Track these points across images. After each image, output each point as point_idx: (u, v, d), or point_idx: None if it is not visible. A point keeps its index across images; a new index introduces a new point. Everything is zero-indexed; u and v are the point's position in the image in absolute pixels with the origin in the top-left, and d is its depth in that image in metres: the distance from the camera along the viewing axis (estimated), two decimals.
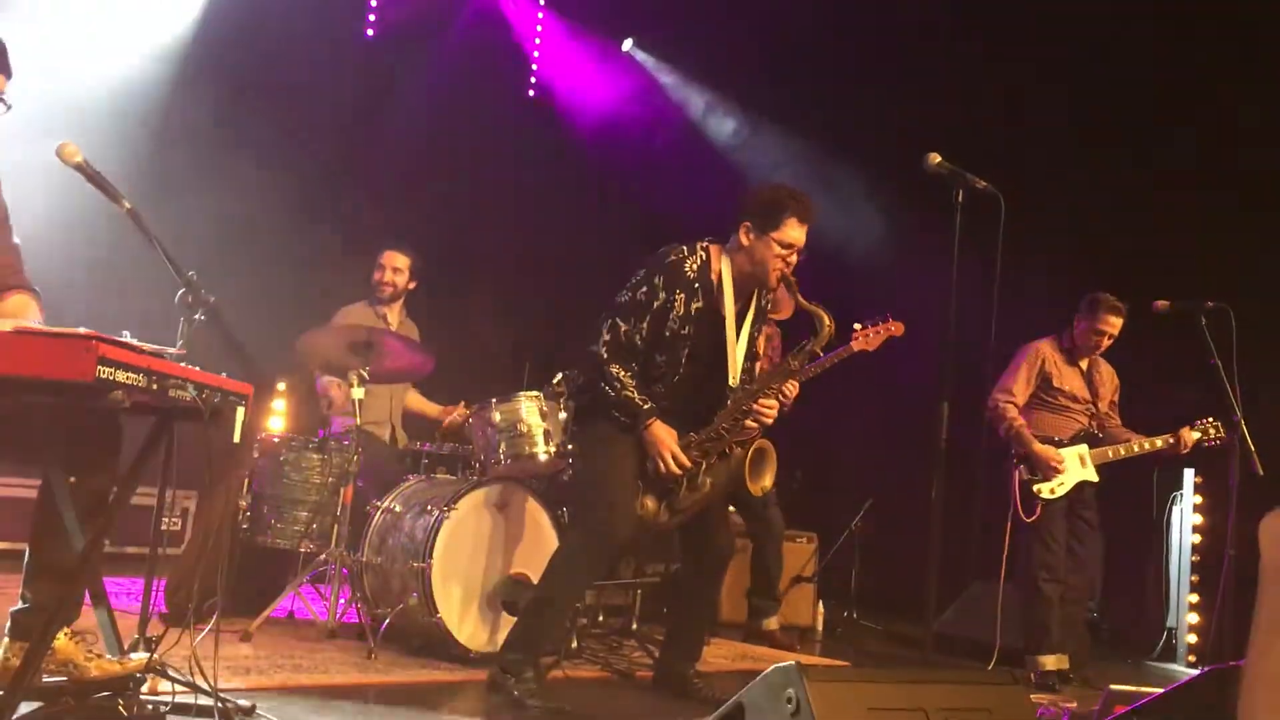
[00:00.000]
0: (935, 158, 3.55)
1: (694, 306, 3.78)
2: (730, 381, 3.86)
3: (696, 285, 3.79)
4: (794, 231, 3.76)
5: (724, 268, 3.85)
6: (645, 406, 3.73)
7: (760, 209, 3.79)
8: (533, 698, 3.65)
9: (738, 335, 3.88)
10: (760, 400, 3.80)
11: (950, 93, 7.36)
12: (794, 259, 3.79)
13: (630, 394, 3.73)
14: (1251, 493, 4.75)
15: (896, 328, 4.72)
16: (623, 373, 3.75)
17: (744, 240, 3.81)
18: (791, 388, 3.93)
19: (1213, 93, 6.57)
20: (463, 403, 5.31)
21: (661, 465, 3.73)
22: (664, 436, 3.74)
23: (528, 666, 3.74)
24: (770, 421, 3.84)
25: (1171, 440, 5.35)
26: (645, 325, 3.77)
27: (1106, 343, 5.42)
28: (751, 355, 3.96)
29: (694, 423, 3.87)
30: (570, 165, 8.63)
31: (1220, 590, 4.88)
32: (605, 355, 3.77)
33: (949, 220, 3.58)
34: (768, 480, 3.92)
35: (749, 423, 3.82)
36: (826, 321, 3.73)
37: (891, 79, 7.60)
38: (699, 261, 3.82)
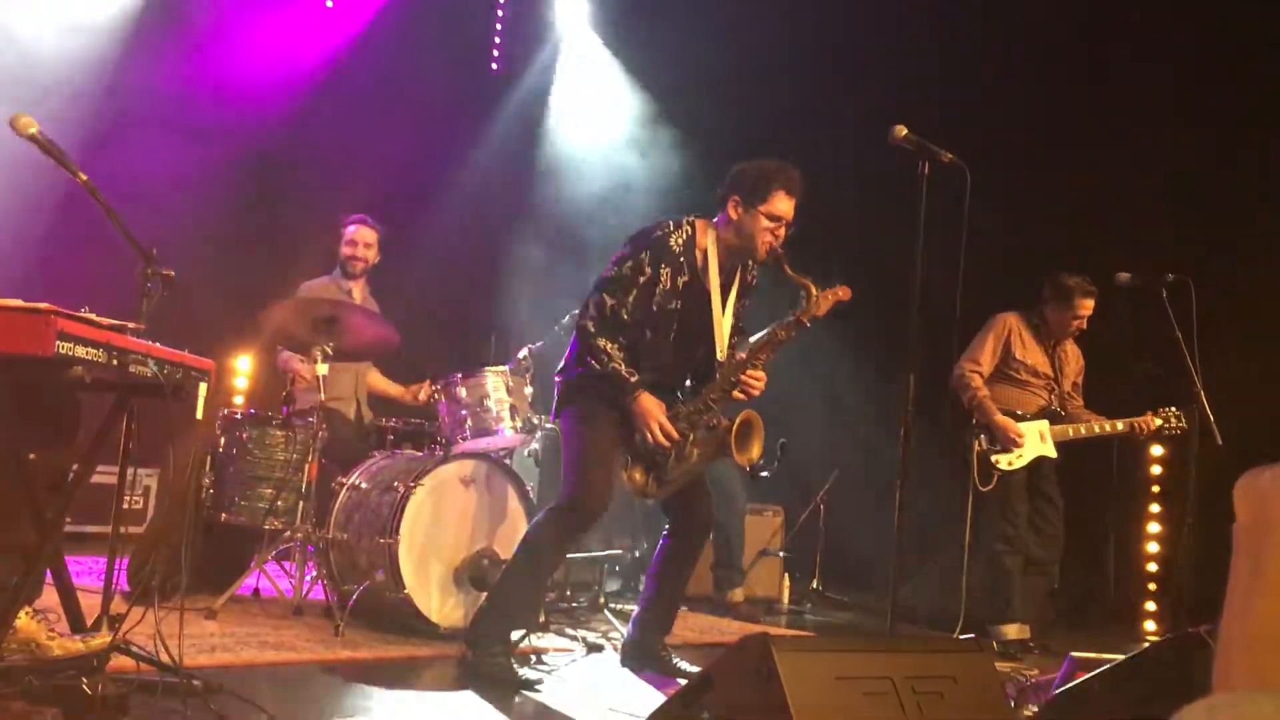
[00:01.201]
0: (901, 130, 3.55)
1: (680, 281, 3.81)
2: (718, 355, 3.89)
3: (682, 259, 3.81)
4: (782, 204, 3.78)
5: (709, 242, 3.87)
6: (632, 379, 3.73)
7: (748, 183, 3.80)
8: (503, 671, 3.65)
9: (724, 309, 3.90)
10: (749, 372, 3.82)
11: (913, 64, 7.37)
12: (782, 232, 3.80)
13: (617, 366, 3.73)
14: (1211, 464, 4.81)
15: (844, 292, 4.70)
16: (610, 346, 3.74)
17: (732, 214, 3.83)
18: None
19: (1178, 57, 6.62)
20: (428, 380, 5.27)
21: (649, 436, 3.73)
22: (651, 408, 3.73)
23: (496, 641, 3.75)
24: (758, 393, 3.84)
25: (1132, 425, 5.39)
26: (631, 300, 3.77)
27: (1080, 326, 5.47)
28: (737, 329, 3.99)
29: (681, 396, 3.93)
30: (532, 139, 8.58)
31: (1180, 559, 4.96)
32: (593, 330, 3.77)
33: (915, 193, 3.59)
34: (755, 451, 3.89)
35: (736, 394, 3.83)
36: (814, 293, 3.74)
37: (856, 52, 7.60)
38: (684, 236, 3.84)
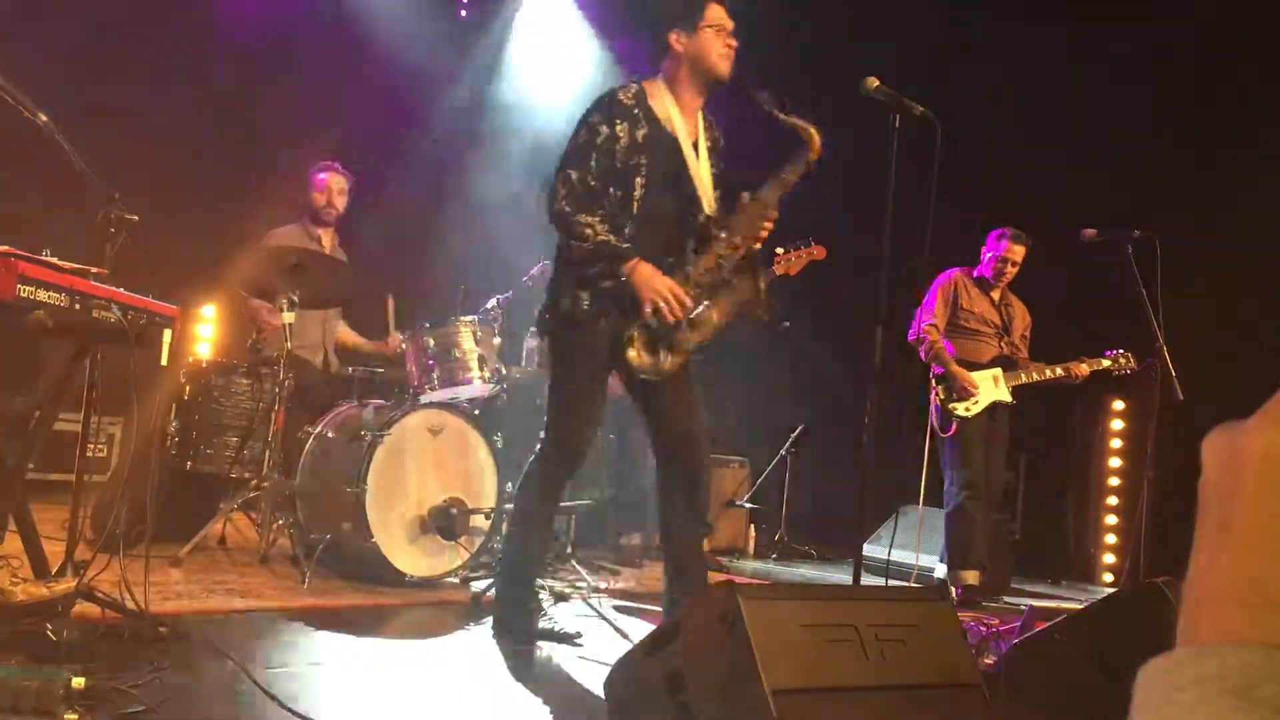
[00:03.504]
0: (873, 82, 3.52)
1: (639, 134, 3.53)
2: (705, 208, 3.61)
3: (637, 112, 3.55)
4: (715, 12, 3.58)
5: (662, 94, 3.63)
6: (624, 246, 3.41)
7: (679, 11, 3.62)
8: (546, 623, 3.69)
9: (698, 160, 3.63)
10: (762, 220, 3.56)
11: (880, 11, 7.33)
12: (734, 42, 3.58)
13: (605, 237, 3.41)
14: (1172, 418, 4.88)
15: (819, 251, 4.70)
16: (591, 218, 3.43)
17: (677, 47, 3.61)
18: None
19: (1149, 14, 6.63)
20: (395, 334, 5.23)
21: (663, 306, 3.38)
22: (652, 275, 3.41)
23: (529, 597, 3.72)
24: (761, 243, 3.62)
25: (1068, 369, 5.54)
26: (593, 164, 3.49)
27: (1011, 270, 5.63)
28: (718, 183, 3.70)
29: (669, 261, 3.56)
30: (501, 83, 8.47)
31: (1139, 512, 5.04)
32: (568, 208, 3.45)
33: (885, 145, 3.57)
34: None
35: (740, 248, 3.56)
36: (814, 134, 3.50)
37: (824, 1, 7.55)
38: (633, 91, 3.59)
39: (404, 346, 4.80)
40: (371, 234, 6.07)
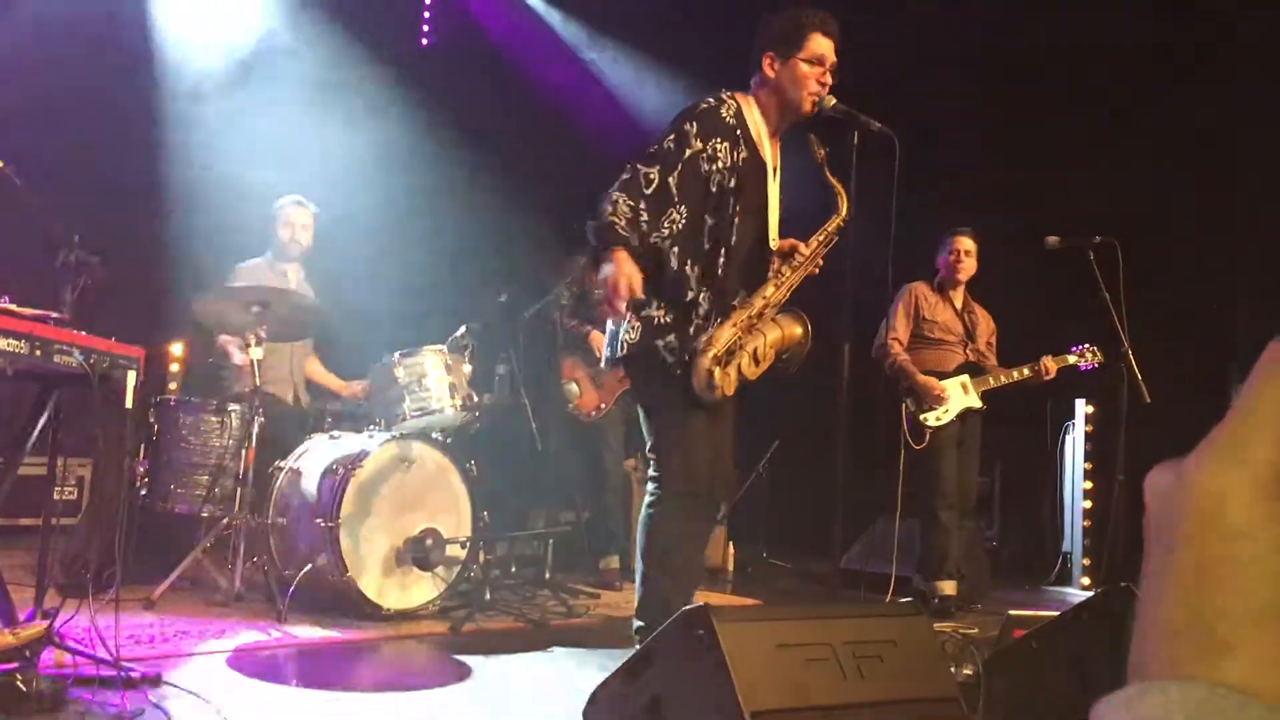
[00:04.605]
0: (830, 100, 3.55)
1: (739, 156, 3.31)
2: (771, 241, 3.43)
3: (738, 132, 3.33)
4: (818, 44, 3.38)
5: (754, 113, 3.42)
6: (623, 234, 3.12)
7: (779, 35, 3.42)
8: None
9: (774, 188, 3.47)
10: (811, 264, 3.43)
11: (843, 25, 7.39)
12: (828, 78, 3.41)
13: (615, 220, 3.12)
14: (1140, 420, 4.93)
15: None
16: (625, 201, 3.14)
17: (769, 72, 3.40)
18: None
19: (1106, 22, 6.72)
20: (367, 379, 5.15)
21: (611, 289, 3.06)
22: (627, 261, 3.09)
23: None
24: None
25: (1035, 369, 5.57)
26: (676, 176, 3.22)
27: (966, 260, 5.65)
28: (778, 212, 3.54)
29: (743, 294, 3.39)
30: (466, 112, 8.48)
31: (1112, 514, 5.08)
32: (615, 188, 3.18)
33: (844, 162, 3.59)
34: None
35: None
36: (846, 201, 3.44)
37: None
38: (733, 108, 3.36)
39: (363, 393, 4.80)
40: (337, 266, 6.04)
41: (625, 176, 3.21)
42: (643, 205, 3.17)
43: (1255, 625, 0.45)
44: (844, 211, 3.46)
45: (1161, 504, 0.50)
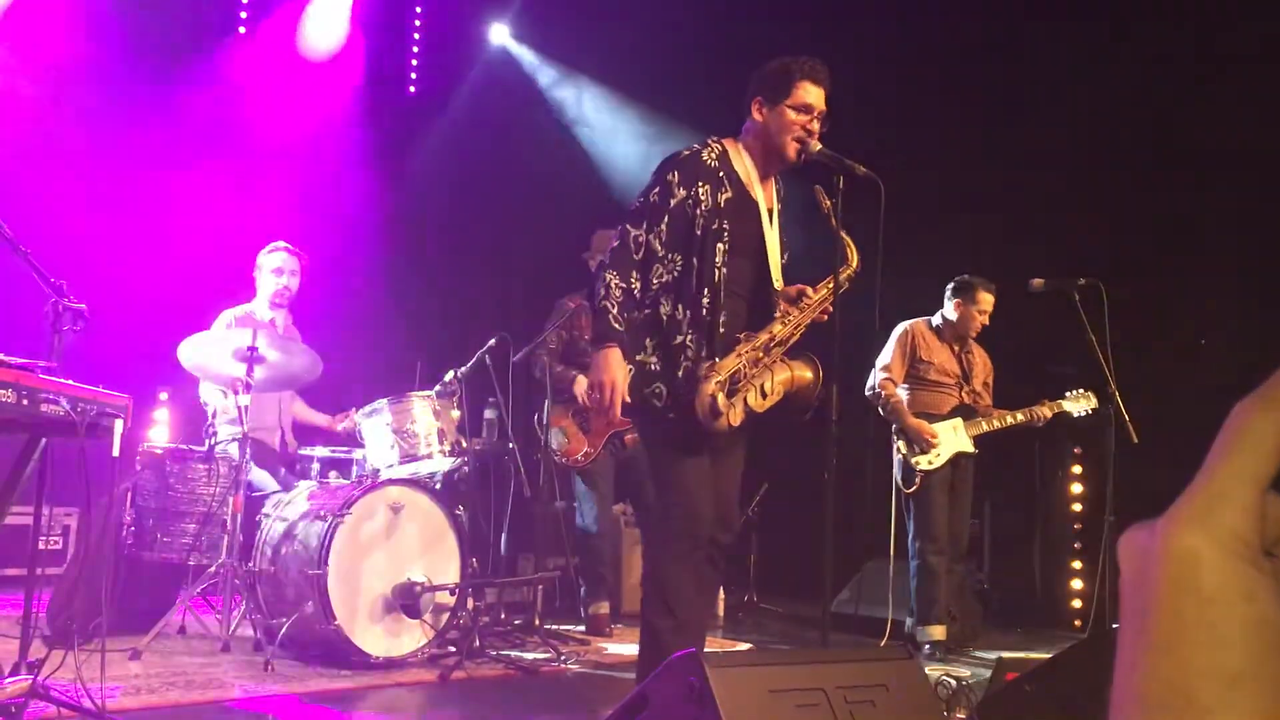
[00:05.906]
0: (816, 145, 3.58)
1: (723, 197, 3.35)
2: (774, 281, 3.45)
3: (721, 174, 3.38)
4: (806, 93, 3.41)
5: (743, 156, 3.47)
6: (615, 328, 3.19)
7: (769, 81, 3.46)
8: None
9: (771, 229, 3.49)
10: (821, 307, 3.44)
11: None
12: (815, 126, 3.44)
13: (608, 305, 3.19)
14: (1128, 461, 4.94)
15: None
16: (615, 282, 3.22)
17: (757, 117, 3.46)
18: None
19: (1090, 65, 6.81)
20: (353, 409, 5.18)
21: (595, 394, 3.17)
22: (615, 364, 3.16)
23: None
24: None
25: (1030, 413, 5.57)
26: (664, 228, 3.29)
27: (985, 320, 5.61)
28: (783, 250, 3.57)
29: (740, 337, 3.37)
30: (453, 158, 8.54)
31: (1102, 556, 5.08)
32: (608, 262, 3.27)
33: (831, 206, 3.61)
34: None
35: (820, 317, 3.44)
36: (855, 255, 3.47)
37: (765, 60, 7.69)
38: (716, 152, 3.42)
39: (356, 425, 4.78)
40: (324, 313, 6.05)
41: (615, 244, 3.29)
42: (634, 274, 3.25)
43: (1232, 688, 0.46)
44: (854, 263, 3.48)
45: (1136, 567, 0.50)
